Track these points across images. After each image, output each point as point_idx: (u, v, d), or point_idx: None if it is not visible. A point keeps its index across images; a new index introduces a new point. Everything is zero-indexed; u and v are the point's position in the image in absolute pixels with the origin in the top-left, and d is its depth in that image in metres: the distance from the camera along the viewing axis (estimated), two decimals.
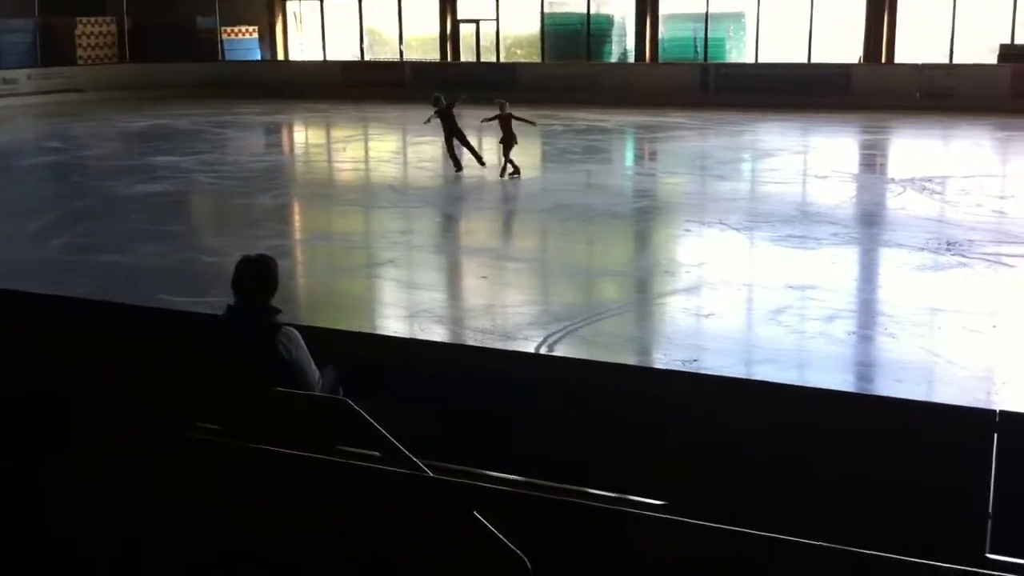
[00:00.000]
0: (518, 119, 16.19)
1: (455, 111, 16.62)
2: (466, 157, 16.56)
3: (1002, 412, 4.21)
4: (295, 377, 4.70)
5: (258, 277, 4.84)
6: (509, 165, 16.01)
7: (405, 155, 20.48)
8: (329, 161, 20.61)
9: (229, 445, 4.26)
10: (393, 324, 8.81)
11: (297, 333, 4.83)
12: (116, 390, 4.80)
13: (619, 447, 4.76)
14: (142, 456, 4.31)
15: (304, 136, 25.07)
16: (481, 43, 33.49)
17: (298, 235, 13.47)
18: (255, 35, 35.78)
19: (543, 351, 7.61)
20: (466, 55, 33.94)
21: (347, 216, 14.32)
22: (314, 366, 4.84)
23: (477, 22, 33.35)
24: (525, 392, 5.10)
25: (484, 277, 10.39)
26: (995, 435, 4.12)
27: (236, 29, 35.23)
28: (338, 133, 24.79)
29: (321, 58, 35.42)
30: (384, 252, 11.58)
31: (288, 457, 4.04)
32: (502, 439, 4.94)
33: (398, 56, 34.70)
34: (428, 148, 19.74)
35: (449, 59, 33.81)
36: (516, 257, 11.47)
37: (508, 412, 5.08)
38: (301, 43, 36.03)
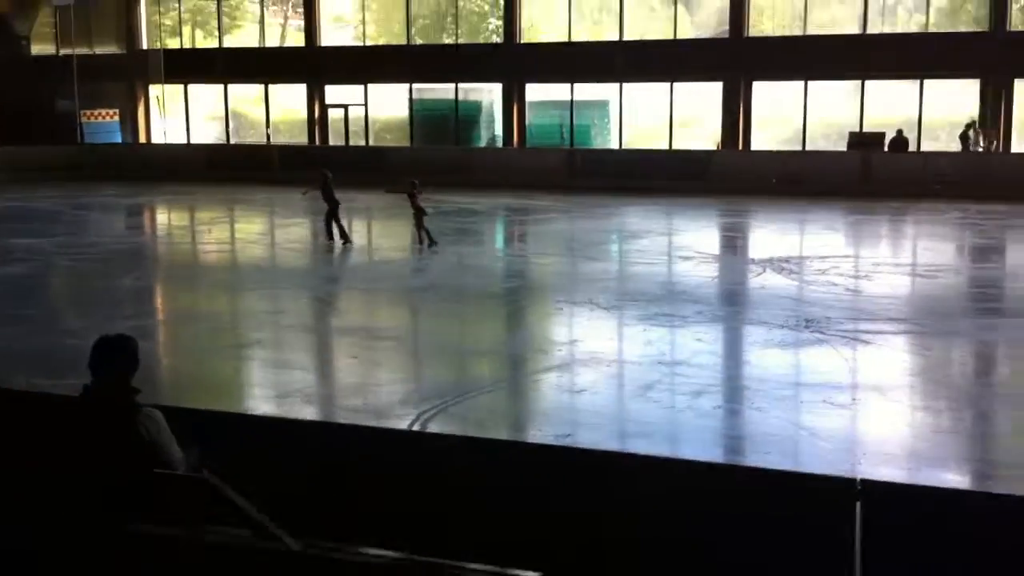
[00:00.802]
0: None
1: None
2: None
3: (863, 480, 4.32)
4: (157, 457, 4.54)
5: (116, 357, 4.68)
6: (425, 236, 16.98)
7: (273, 236, 20.24)
8: (194, 243, 20.20)
9: (97, 528, 4.09)
10: (262, 404, 8.59)
11: (159, 413, 4.68)
12: None
13: (495, 521, 4.71)
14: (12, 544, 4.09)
15: (168, 218, 24.54)
16: (350, 127, 33.60)
17: (161, 316, 13.09)
18: (116, 118, 35.12)
19: (416, 428, 7.51)
20: (335, 139, 33.99)
21: (213, 297, 14.00)
22: (176, 447, 4.69)
23: (346, 107, 33.50)
24: (398, 469, 5.02)
25: (355, 357, 10.25)
26: (857, 503, 4.22)
27: (97, 112, 34.52)
28: (203, 215, 24.35)
29: (185, 141, 34.98)
30: (252, 332, 11.34)
31: (156, 537, 3.90)
32: (375, 516, 4.84)
33: (265, 140, 34.51)
34: (297, 230, 19.57)
35: (318, 142, 33.80)
36: (388, 336, 11.37)
37: (381, 489, 4.98)
38: (164, 126, 35.50)
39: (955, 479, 6.94)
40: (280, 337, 11.11)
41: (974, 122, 27.93)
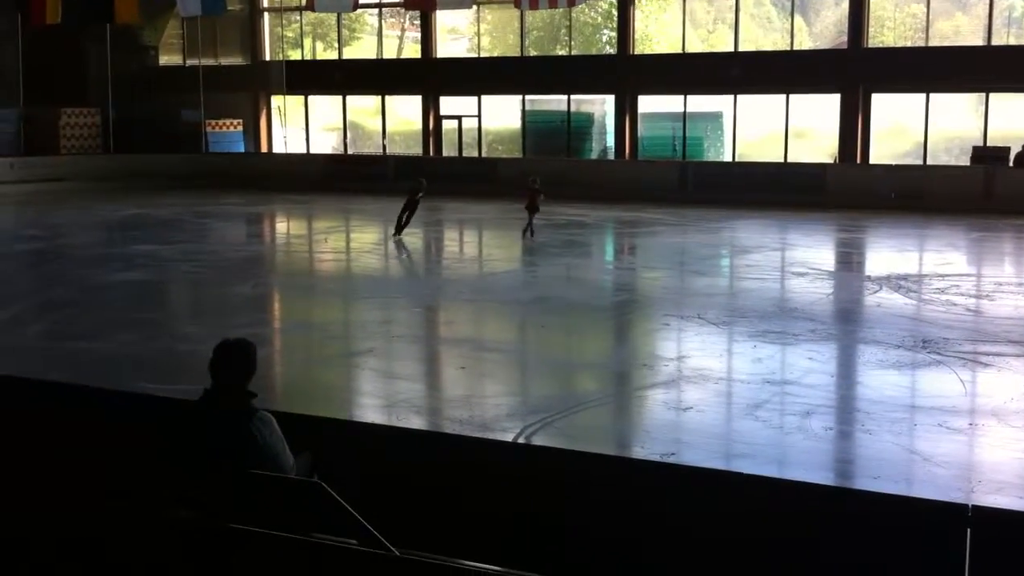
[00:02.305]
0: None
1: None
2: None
3: (974, 507, 4.22)
4: (269, 462, 4.69)
5: (236, 360, 4.85)
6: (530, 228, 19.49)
7: (386, 247, 20.59)
8: (310, 252, 20.70)
9: (207, 527, 4.23)
10: (370, 413, 8.76)
11: (272, 418, 4.83)
12: (93, 476, 4.77)
13: (596, 536, 4.72)
14: (122, 539, 4.26)
15: (285, 227, 25.21)
16: (463, 138, 33.98)
17: (277, 324, 13.46)
18: (239, 128, 36.19)
19: (520, 442, 7.57)
20: (448, 150, 34.41)
21: (326, 306, 14.33)
22: (289, 451, 4.83)
23: (459, 118, 33.90)
24: (502, 482, 5.08)
25: (463, 368, 10.37)
26: (968, 530, 4.12)
27: (221, 122, 35.63)
28: (319, 224, 24.93)
29: (304, 151, 35.84)
30: (363, 342, 11.57)
31: (264, 538, 4.02)
32: (479, 528, 4.90)
33: (381, 150, 35.14)
34: (409, 239, 19.87)
35: (431, 153, 34.26)
36: (495, 348, 11.47)
37: (486, 502, 5.04)
38: (284, 136, 36.45)
39: None
40: (389, 347, 11.32)
41: None
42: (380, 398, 9.32)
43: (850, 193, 26.75)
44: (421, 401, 9.15)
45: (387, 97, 35.25)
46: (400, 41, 36.89)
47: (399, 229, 19.71)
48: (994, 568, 4.12)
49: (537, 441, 7.72)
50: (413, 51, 35.60)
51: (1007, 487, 6.89)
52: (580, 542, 4.74)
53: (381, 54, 36.07)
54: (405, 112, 35.75)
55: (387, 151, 34.98)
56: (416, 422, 8.33)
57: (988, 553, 4.12)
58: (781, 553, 4.42)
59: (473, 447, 5.90)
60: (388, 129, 35.47)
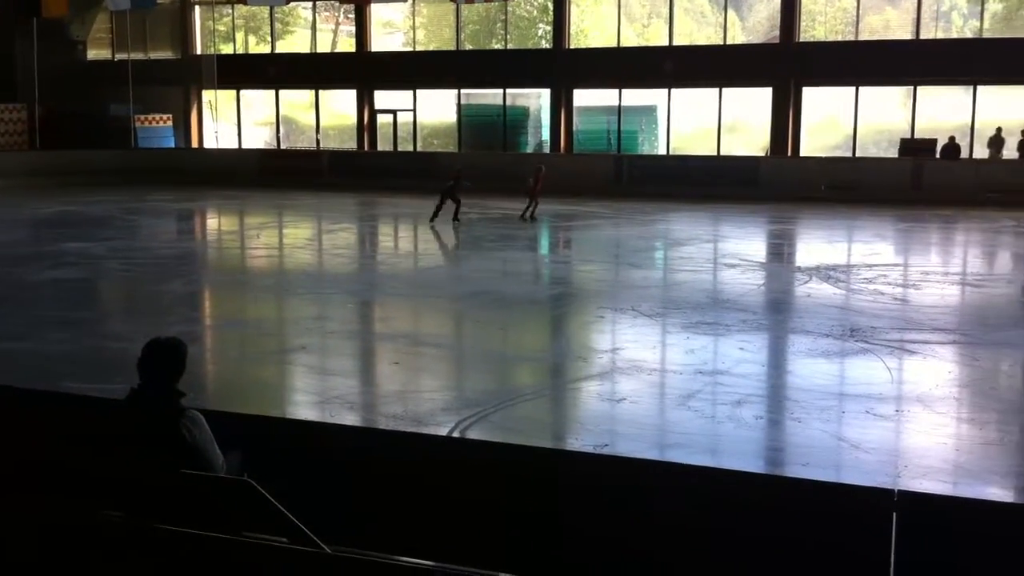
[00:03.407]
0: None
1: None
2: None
3: (900, 492, 4.30)
4: (198, 460, 4.64)
5: (165, 359, 4.80)
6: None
7: (320, 242, 20.43)
8: (243, 248, 20.46)
9: (135, 527, 4.17)
10: (304, 410, 8.69)
11: (201, 417, 4.78)
12: (18, 475, 4.67)
13: (528, 529, 4.73)
14: (47, 540, 4.19)
15: (217, 223, 24.88)
16: (399, 133, 33.83)
17: (208, 321, 13.28)
18: (169, 123, 35.67)
19: (455, 436, 7.57)
20: (383, 144, 34.25)
21: (260, 302, 14.17)
22: (218, 450, 4.78)
23: (395, 112, 33.74)
24: (438, 476, 5.07)
25: (397, 363, 10.34)
26: (894, 514, 4.20)
27: (150, 117, 35.08)
28: (252, 220, 24.66)
29: (237, 146, 35.44)
30: (296, 338, 11.47)
31: (193, 538, 3.98)
32: (415, 524, 4.89)
33: (315, 145, 34.86)
34: (344, 235, 19.75)
35: (366, 148, 34.07)
36: (430, 343, 11.44)
37: (421, 497, 5.03)
38: (216, 131, 35.99)
39: (998, 493, 6.85)
40: (323, 343, 11.23)
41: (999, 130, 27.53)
42: (313, 394, 9.24)
43: (782, 185, 27.15)
44: (355, 397, 9.09)
45: (321, 91, 34.99)
46: (334, 35, 36.61)
47: (435, 215, 21.20)
48: (919, 551, 4.20)
49: (472, 435, 7.72)
50: (347, 45, 35.37)
51: (933, 472, 7.04)
52: (518, 534, 4.74)
53: (315, 48, 35.79)
54: (339, 106, 35.52)
55: (321, 146, 34.70)
56: (350, 418, 8.28)
57: (913, 536, 4.20)
58: (710, 541, 4.47)
59: (408, 442, 5.87)
60: (322, 124, 35.21)
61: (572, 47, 32.40)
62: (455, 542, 4.77)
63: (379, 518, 4.94)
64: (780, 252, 19.45)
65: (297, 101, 36.17)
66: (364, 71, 33.79)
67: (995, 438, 7.91)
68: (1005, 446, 7.78)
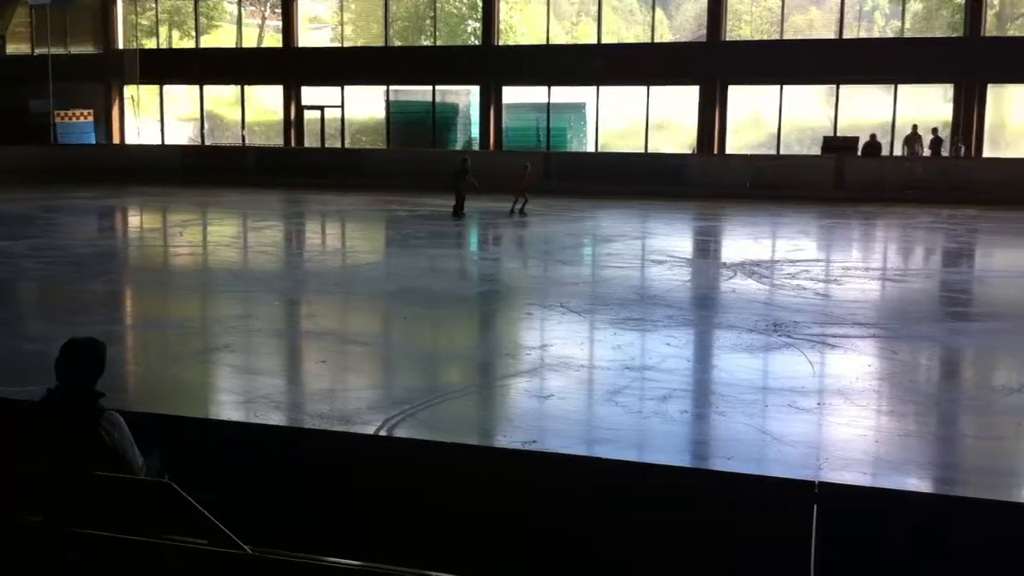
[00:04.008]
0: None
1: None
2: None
3: (821, 483, 4.37)
4: (117, 463, 4.54)
5: (83, 359, 4.70)
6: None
7: (246, 240, 20.17)
8: (165, 246, 20.11)
9: (53, 531, 4.08)
10: (228, 410, 8.56)
11: (120, 418, 4.69)
12: None
13: (462, 528, 4.72)
14: None
15: (140, 220, 24.41)
16: (326, 129, 33.55)
17: (129, 321, 13.02)
18: (90, 119, 34.94)
19: (383, 434, 7.51)
20: (311, 141, 33.93)
21: (182, 302, 13.94)
22: (138, 452, 4.69)
23: (322, 109, 33.44)
24: (364, 475, 5.03)
25: (323, 361, 10.24)
26: (815, 505, 4.26)
27: (71, 112, 34.33)
28: (176, 217, 24.23)
29: (159, 142, 34.85)
30: (220, 337, 11.29)
31: (111, 542, 3.89)
32: (339, 524, 4.84)
33: (240, 141, 34.42)
34: (270, 232, 19.53)
35: (293, 144, 33.73)
36: (357, 341, 11.35)
37: (345, 496, 4.98)
38: (138, 127, 35.33)
39: (917, 483, 7.00)
40: (249, 342, 11.07)
41: (915, 127, 28.22)
42: (238, 394, 9.10)
43: (709, 182, 27.47)
44: (281, 396, 8.98)
45: (247, 87, 34.56)
46: (260, 30, 36.17)
47: (457, 210, 22.19)
48: (840, 541, 4.27)
49: (400, 433, 7.67)
50: (274, 40, 34.97)
51: (853, 463, 7.17)
52: (445, 533, 4.72)
53: (240, 43, 35.31)
54: (266, 102, 35.11)
55: (247, 142, 34.27)
56: (275, 418, 8.17)
57: (834, 527, 4.27)
58: (634, 534, 4.49)
59: (334, 441, 5.82)
60: (248, 120, 34.77)
61: (501, 44, 32.42)
62: (384, 541, 4.74)
63: (305, 519, 4.88)
64: (706, 248, 19.67)
65: (222, 97, 35.68)
66: (291, 67, 33.44)
67: (914, 430, 8.08)
68: (923, 437, 7.95)
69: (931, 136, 28.04)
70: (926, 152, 28.05)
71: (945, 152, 28.22)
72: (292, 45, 33.83)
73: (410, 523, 4.80)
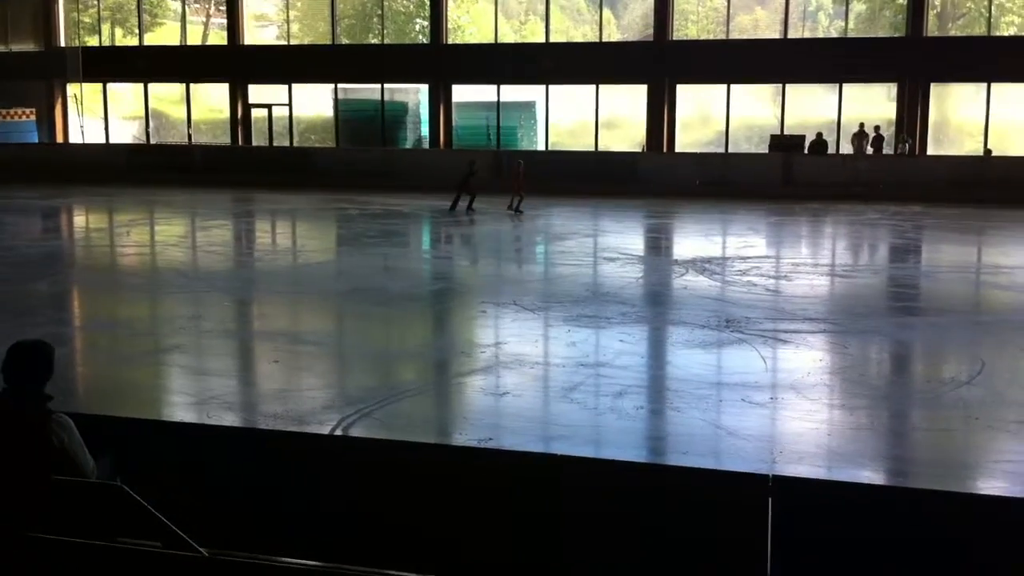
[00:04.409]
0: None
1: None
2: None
3: (775, 476, 4.41)
4: (68, 466, 4.47)
5: (31, 362, 4.62)
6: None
7: (194, 239, 19.93)
8: (112, 246, 19.81)
9: (3, 535, 4.00)
10: (180, 412, 8.45)
11: (70, 421, 4.61)
12: None
13: (419, 526, 4.69)
14: None
15: (85, 220, 24.03)
16: (274, 128, 33.26)
17: (78, 322, 12.81)
18: (32, 117, 34.33)
19: (338, 434, 7.46)
20: (258, 139, 33.62)
21: (131, 302, 13.73)
22: (88, 455, 4.61)
23: (269, 107, 33.15)
24: (321, 476, 4.98)
25: (277, 361, 10.14)
26: (770, 498, 4.29)
27: (12, 111, 33.69)
28: (122, 217, 23.88)
29: (104, 141, 34.32)
30: (171, 338, 11.14)
31: (63, 545, 3.83)
32: (296, 525, 4.80)
33: (186, 140, 34.01)
34: (218, 232, 19.31)
35: (240, 143, 33.40)
36: (311, 340, 11.25)
37: (300, 496, 4.94)
38: (82, 126, 34.77)
39: (869, 476, 7.09)
40: (200, 342, 10.94)
41: (862, 126, 28.63)
42: (190, 395, 8.99)
43: (659, 181, 27.61)
44: (233, 397, 8.88)
45: (192, 85, 34.15)
46: (205, 27, 35.76)
47: (454, 206, 22.82)
48: (794, 533, 4.31)
49: (355, 432, 7.62)
50: (219, 38, 34.58)
51: (807, 456, 7.24)
52: (405, 534, 4.69)
53: (185, 40, 34.90)
54: (212, 100, 34.73)
55: (193, 141, 33.87)
56: (229, 419, 8.08)
57: (789, 519, 4.31)
58: (593, 529, 4.50)
59: (288, 441, 5.76)
60: (194, 118, 34.36)
61: (450, 43, 32.36)
62: (343, 541, 4.70)
63: (261, 520, 4.83)
64: (658, 246, 19.78)
65: (167, 95, 35.22)
66: (237, 64, 33.10)
67: (865, 423, 8.18)
68: (875, 430, 8.06)
69: (873, 134, 28.45)
70: (871, 150, 28.46)
71: (890, 150, 28.65)
72: (238, 43, 33.49)
73: (370, 523, 4.76)
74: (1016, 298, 13.92)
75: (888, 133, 28.99)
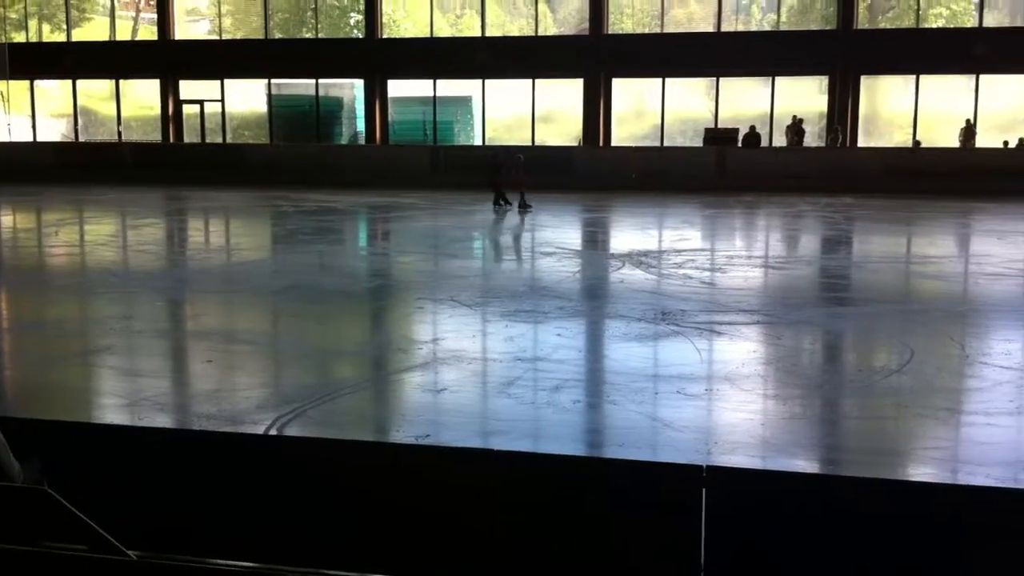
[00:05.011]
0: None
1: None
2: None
3: (709, 467, 4.43)
4: None
5: None
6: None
7: (125, 238, 19.58)
8: (40, 246, 19.39)
9: None
10: (111, 414, 8.28)
11: None
12: None
13: (355, 525, 4.65)
14: None
15: (12, 220, 23.49)
16: (206, 124, 32.81)
17: (4, 324, 12.51)
18: None
19: (272, 433, 7.37)
20: (190, 136, 33.15)
21: (60, 303, 13.44)
22: (12, 458, 4.50)
23: (201, 103, 32.69)
24: (253, 476, 4.91)
25: (210, 361, 9.99)
26: (703, 489, 4.32)
27: None
28: (50, 216, 23.39)
29: (31, 139, 33.59)
30: (101, 339, 10.93)
31: None
32: (230, 526, 4.72)
33: (116, 137, 33.42)
34: (150, 230, 19.00)
35: (172, 140, 32.90)
36: (245, 340, 11.11)
37: (234, 498, 4.86)
38: (8, 124, 33.97)
39: (802, 464, 7.18)
40: (131, 343, 10.74)
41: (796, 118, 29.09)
42: (120, 397, 8.82)
43: (595, 174, 27.75)
44: (165, 398, 8.73)
45: (122, 81, 33.55)
46: (135, 22, 35.17)
47: (499, 201, 22.55)
48: (728, 523, 4.33)
49: (291, 432, 7.53)
50: (149, 33, 34.03)
51: (741, 446, 7.31)
52: (340, 532, 4.65)
53: (114, 36, 34.28)
54: (142, 97, 34.16)
55: (123, 138, 33.29)
56: (160, 420, 7.94)
57: (723, 509, 4.33)
58: (527, 524, 4.49)
59: (220, 442, 5.67)
60: (124, 115, 33.77)
61: (385, 37, 32.17)
62: (271, 543, 4.64)
63: (193, 522, 4.75)
64: (595, 239, 19.86)
65: (96, 91, 34.56)
66: (168, 60, 32.60)
67: (799, 412, 8.28)
68: (808, 419, 8.16)
69: (807, 128, 28.87)
70: (808, 142, 28.88)
71: (822, 142, 29.10)
72: (169, 38, 32.97)
73: (305, 524, 4.71)
74: (944, 287, 14.21)
75: (820, 126, 29.44)
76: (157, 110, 33.29)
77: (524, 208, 22.02)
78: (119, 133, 33.56)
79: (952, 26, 30.16)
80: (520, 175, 22.22)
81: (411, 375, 9.39)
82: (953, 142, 28.87)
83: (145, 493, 4.89)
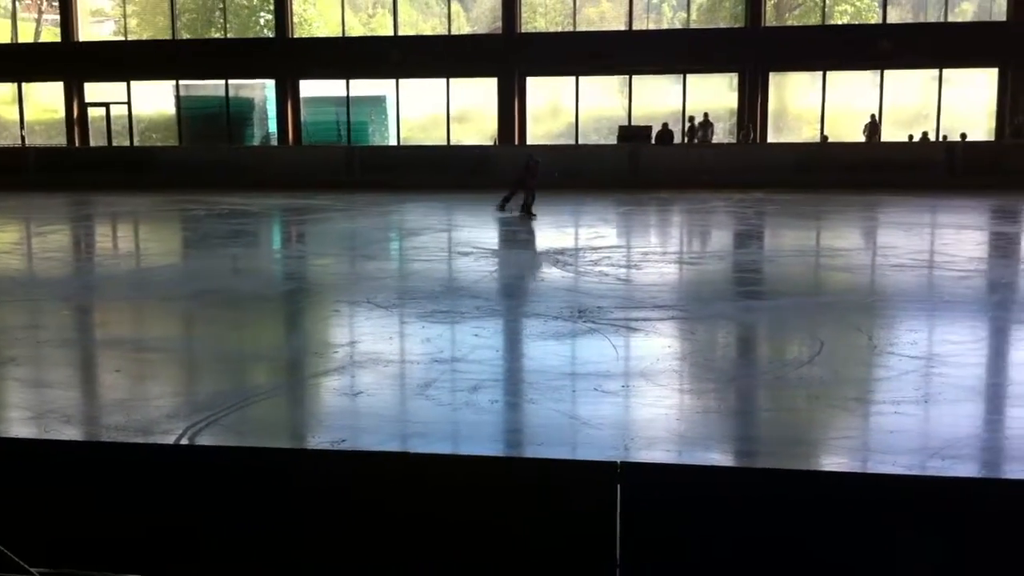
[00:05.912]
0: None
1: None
2: None
3: (623, 463, 4.45)
4: None
5: None
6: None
7: (29, 245, 19.04)
8: None
9: None
10: (15, 427, 8.03)
11: None
12: None
13: (267, 536, 4.57)
14: None
15: None
16: (112, 127, 32.10)
17: None
18: None
19: (184, 442, 7.22)
20: (96, 139, 32.40)
21: None
22: None
23: (107, 105, 31.96)
24: (164, 488, 4.80)
25: (119, 370, 9.75)
26: (618, 485, 4.34)
27: None
28: None
29: None
30: (4, 350, 10.59)
31: None
32: (137, 540, 4.62)
33: (19, 142, 32.50)
34: (55, 237, 18.51)
35: (77, 144, 32.11)
36: (156, 347, 10.87)
37: (143, 510, 4.75)
38: None
39: (718, 457, 7.27)
40: (36, 353, 10.44)
41: (706, 115, 29.58)
42: (25, 409, 8.56)
43: (511, 173, 27.72)
44: (73, 410, 8.50)
45: (25, 84, 32.65)
46: (37, 24, 34.24)
47: (517, 205, 21.66)
48: (643, 518, 4.36)
49: (202, 441, 7.39)
50: (52, 35, 33.17)
51: (658, 442, 7.37)
52: (253, 545, 4.57)
53: (16, 38, 33.31)
54: (46, 100, 33.28)
55: (26, 142, 32.40)
56: (68, 432, 7.72)
57: (637, 505, 4.36)
58: (448, 524, 4.47)
59: (131, 453, 5.54)
60: (27, 119, 32.87)
61: (296, 37, 31.82)
62: (181, 556, 4.55)
63: (97, 535, 4.63)
64: (511, 239, 19.87)
65: None
66: (72, 62, 31.81)
67: (713, 406, 8.38)
68: (722, 413, 8.26)
69: (701, 121, 29.37)
70: (717, 138, 29.33)
71: (732, 138, 29.58)
72: (72, 39, 32.16)
73: (215, 534, 4.61)
74: (851, 279, 14.52)
75: (730, 123, 29.91)
76: (62, 113, 32.47)
77: (527, 213, 21.41)
78: (22, 138, 32.64)
79: (856, 22, 30.89)
80: (533, 179, 21.62)
81: (327, 379, 9.29)
82: (859, 137, 29.58)
83: (51, 508, 4.75)
